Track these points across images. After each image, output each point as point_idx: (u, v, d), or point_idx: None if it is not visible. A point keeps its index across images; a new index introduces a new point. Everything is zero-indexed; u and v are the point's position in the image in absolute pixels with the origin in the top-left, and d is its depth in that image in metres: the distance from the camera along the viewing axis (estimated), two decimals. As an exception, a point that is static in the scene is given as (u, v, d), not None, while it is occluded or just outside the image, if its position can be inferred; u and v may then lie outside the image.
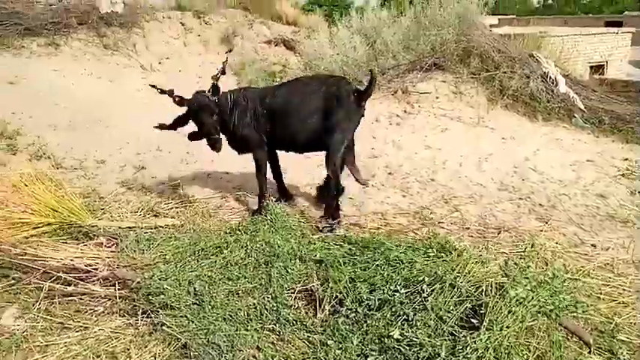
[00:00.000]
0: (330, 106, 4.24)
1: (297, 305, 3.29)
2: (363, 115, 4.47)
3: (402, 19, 9.41)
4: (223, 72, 4.41)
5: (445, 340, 2.74)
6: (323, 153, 4.40)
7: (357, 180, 4.74)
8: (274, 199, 4.54)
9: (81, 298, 3.45)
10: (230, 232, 4.11)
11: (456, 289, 2.99)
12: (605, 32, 16.03)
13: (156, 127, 4.56)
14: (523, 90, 6.89)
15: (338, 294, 3.20)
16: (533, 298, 2.94)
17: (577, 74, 8.90)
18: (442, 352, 2.66)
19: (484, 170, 5.49)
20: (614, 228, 4.39)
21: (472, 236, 4.30)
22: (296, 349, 2.98)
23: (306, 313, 3.25)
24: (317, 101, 4.27)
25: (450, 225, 4.50)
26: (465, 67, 7.26)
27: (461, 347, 2.66)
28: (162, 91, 4.25)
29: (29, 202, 4.13)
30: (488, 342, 2.64)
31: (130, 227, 4.27)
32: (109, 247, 3.94)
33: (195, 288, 3.29)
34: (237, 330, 3.01)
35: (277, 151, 4.75)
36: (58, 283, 3.51)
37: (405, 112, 6.89)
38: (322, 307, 3.20)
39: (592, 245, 4.12)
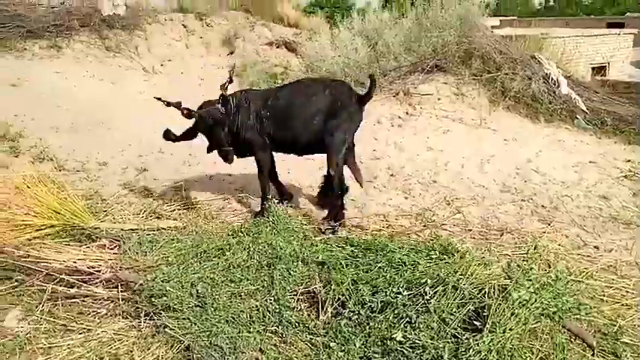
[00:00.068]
0: (332, 109, 4.27)
1: (299, 307, 3.29)
2: (362, 118, 4.51)
3: (404, 21, 9.41)
4: (231, 80, 4.37)
5: (448, 342, 2.74)
6: (323, 155, 4.42)
7: (357, 181, 4.75)
8: (276, 201, 4.54)
9: (84, 300, 3.46)
10: (232, 234, 4.11)
11: (458, 292, 2.99)
12: (607, 34, 16.03)
13: (164, 137, 4.52)
14: (525, 91, 6.88)
15: (340, 296, 3.20)
16: (536, 300, 2.94)
17: (579, 75, 8.88)
18: (445, 354, 2.66)
19: (486, 172, 5.49)
20: (617, 230, 4.39)
21: (474, 238, 4.30)
22: (298, 351, 2.98)
23: (309, 315, 3.25)
24: (319, 103, 4.30)
25: (453, 227, 4.50)
26: (467, 69, 7.25)
27: (464, 349, 2.66)
28: (169, 104, 4.17)
29: (32, 204, 4.14)
30: (491, 344, 2.64)
31: (132, 229, 4.28)
32: (111, 249, 3.95)
33: (197, 290, 3.29)
34: (239, 332, 3.01)
35: (274, 154, 4.74)
36: (61, 285, 3.52)
37: (407, 113, 6.89)
38: (325, 309, 3.20)
39: (595, 247, 4.12)
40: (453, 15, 7.99)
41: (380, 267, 3.41)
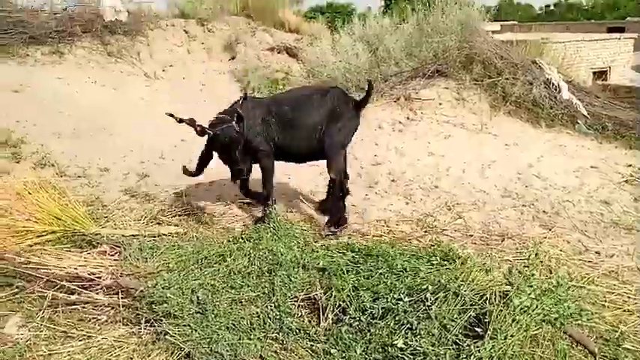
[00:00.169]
0: (331, 115, 4.35)
1: (300, 314, 3.29)
2: (359, 123, 4.59)
3: (405, 26, 9.42)
4: (245, 97, 4.32)
5: (449, 349, 2.73)
6: (323, 161, 4.45)
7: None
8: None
9: (84, 307, 3.45)
10: (233, 241, 4.11)
11: (459, 298, 2.98)
12: (607, 38, 16.06)
13: (184, 173, 4.55)
14: (526, 96, 6.88)
15: (341, 302, 3.20)
16: (537, 306, 2.93)
17: (580, 80, 8.88)
18: (446, 361, 2.65)
19: (487, 177, 5.48)
20: (619, 235, 4.38)
21: (475, 243, 4.30)
22: (299, 358, 2.97)
23: (310, 321, 3.24)
24: (321, 110, 4.36)
25: (454, 232, 4.50)
26: (468, 74, 7.26)
27: (465, 356, 2.65)
28: (181, 120, 4.10)
29: (33, 210, 4.14)
30: (492, 351, 2.63)
31: (133, 235, 4.28)
32: (112, 255, 3.95)
33: (198, 297, 3.29)
34: (240, 339, 3.01)
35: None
36: (61, 292, 3.52)
37: (408, 118, 6.90)
38: (325, 315, 3.19)
39: (596, 252, 4.11)
40: (454, 20, 8.00)
41: (381, 273, 3.41)
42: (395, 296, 3.10)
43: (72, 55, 8.66)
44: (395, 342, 2.81)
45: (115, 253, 3.97)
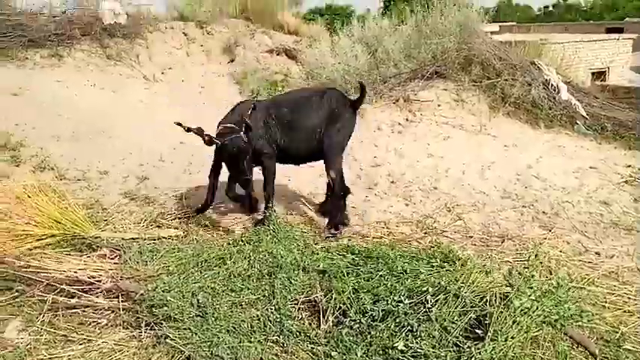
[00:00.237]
0: (330, 116, 4.40)
1: (300, 316, 3.28)
2: (355, 123, 4.66)
3: (403, 28, 9.45)
4: (254, 108, 4.30)
5: (450, 351, 2.73)
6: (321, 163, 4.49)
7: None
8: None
9: (84, 311, 3.44)
10: (233, 243, 4.11)
11: (460, 300, 2.98)
12: (606, 39, 16.08)
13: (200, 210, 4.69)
14: (525, 97, 6.89)
15: (342, 305, 3.19)
16: (537, 307, 2.93)
17: (579, 81, 8.90)
18: (447, 363, 2.65)
19: (487, 178, 5.49)
20: (618, 235, 4.38)
21: (475, 245, 4.30)
22: (300, 360, 2.97)
23: (310, 324, 3.24)
24: (320, 112, 4.40)
25: (454, 234, 4.50)
26: (467, 75, 7.27)
27: (466, 358, 2.65)
28: (189, 129, 4.08)
29: (33, 213, 4.14)
30: (493, 353, 2.63)
31: (133, 238, 4.28)
32: (112, 258, 3.94)
33: (198, 300, 3.28)
34: (240, 342, 3.00)
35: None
36: (61, 296, 3.51)
37: (407, 120, 6.90)
38: (326, 318, 3.19)
39: (596, 253, 4.11)
40: (453, 22, 8.02)
41: (381, 275, 3.40)
42: (395, 298, 3.10)
43: (71, 58, 8.67)
44: (395, 344, 2.80)
45: (115, 256, 3.96)
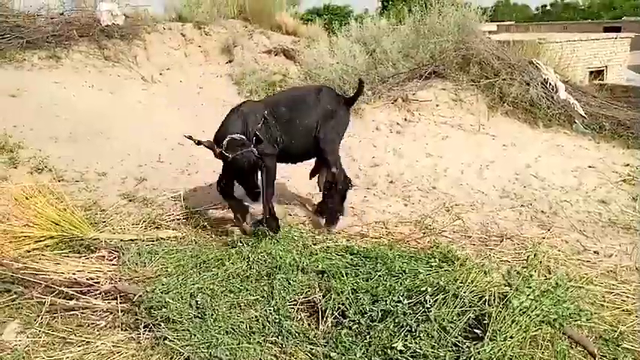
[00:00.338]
0: (326, 113, 4.46)
1: (299, 317, 3.28)
2: (350, 120, 4.79)
3: (402, 28, 9.46)
4: (266, 121, 4.25)
5: (449, 351, 2.73)
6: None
7: (311, 173, 4.97)
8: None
9: (83, 313, 3.44)
10: (232, 244, 4.11)
11: (459, 300, 2.97)
12: (604, 38, 16.10)
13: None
14: (523, 97, 6.90)
15: (340, 305, 3.19)
16: (536, 307, 2.92)
17: (577, 80, 8.91)
18: (446, 363, 2.64)
19: (485, 178, 5.49)
20: (617, 234, 4.38)
21: (474, 244, 4.30)
22: (299, 361, 2.96)
23: (309, 325, 3.23)
24: (317, 110, 4.44)
25: (452, 233, 4.50)
26: (465, 75, 7.28)
27: (465, 358, 2.65)
28: (200, 142, 4.00)
29: (31, 215, 4.13)
30: (492, 352, 2.63)
31: (131, 240, 4.27)
32: (110, 260, 3.94)
33: (197, 301, 3.28)
34: (239, 343, 3.00)
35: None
36: (60, 298, 3.50)
37: (406, 120, 6.90)
38: (325, 318, 3.19)
39: (595, 252, 4.12)
40: (451, 21, 8.03)
41: (380, 275, 3.40)
42: (394, 298, 3.10)
43: (69, 60, 8.66)
44: (394, 344, 2.80)
45: (114, 257, 3.96)
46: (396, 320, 2.96)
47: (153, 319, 3.21)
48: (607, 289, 3.54)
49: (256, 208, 4.73)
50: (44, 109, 7.07)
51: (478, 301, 2.96)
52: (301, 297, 3.36)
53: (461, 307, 2.95)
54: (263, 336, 3.09)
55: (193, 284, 3.45)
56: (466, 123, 6.71)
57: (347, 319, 3.10)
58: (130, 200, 5.25)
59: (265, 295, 3.39)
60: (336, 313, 3.18)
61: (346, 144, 6.19)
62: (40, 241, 4.04)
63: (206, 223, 4.75)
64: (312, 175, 4.98)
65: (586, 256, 4.05)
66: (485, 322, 2.81)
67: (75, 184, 5.55)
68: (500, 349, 2.65)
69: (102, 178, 5.75)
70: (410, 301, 3.07)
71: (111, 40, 9.30)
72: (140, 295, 3.37)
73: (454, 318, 2.89)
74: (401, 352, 2.77)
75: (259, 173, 4.20)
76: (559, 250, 4.10)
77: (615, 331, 3.04)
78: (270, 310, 3.25)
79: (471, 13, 8.12)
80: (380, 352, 2.84)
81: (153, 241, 4.29)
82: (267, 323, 3.17)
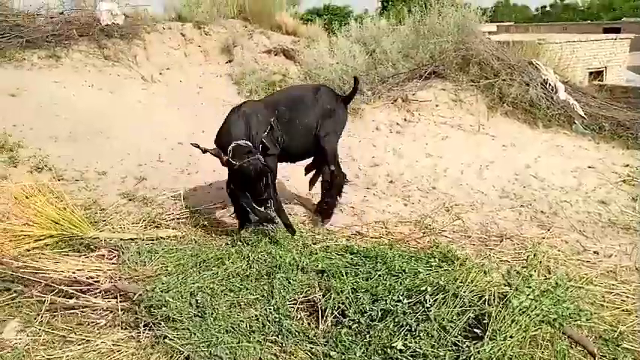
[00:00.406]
0: (325, 111, 4.50)
1: (299, 316, 3.28)
2: (347, 118, 4.88)
3: (401, 28, 9.46)
4: (272, 128, 4.22)
5: (449, 350, 2.73)
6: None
7: (311, 182, 4.98)
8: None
9: (83, 311, 3.44)
10: (232, 243, 4.11)
11: (458, 299, 2.98)
12: (603, 39, 16.11)
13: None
14: (523, 97, 6.90)
15: (340, 305, 3.19)
16: (536, 307, 2.92)
17: (576, 81, 8.92)
18: (446, 362, 2.65)
19: (485, 178, 5.49)
20: (616, 235, 4.39)
21: (474, 244, 4.30)
22: (299, 360, 2.97)
23: (309, 324, 3.24)
24: (316, 109, 4.47)
25: (452, 233, 4.50)
26: (465, 75, 7.28)
27: (464, 357, 2.65)
28: (206, 151, 3.96)
29: (31, 214, 4.13)
30: (491, 352, 2.63)
31: (131, 239, 4.27)
32: (110, 259, 3.94)
33: (197, 300, 3.28)
34: (239, 342, 3.00)
35: None
36: (59, 296, 3.50)
37: (406, 120, 6.91)
38: (324, 318, 3.19)
39: (594, 252, 4.12)
40: (450, 22, 8.03)
41: (380, 275, 3.40)
42: (394, 298, 3.10)
43: (69, 59, 8.65)
44: (394, 344, 2.80)
45: (114, 256, 3.96)
46: (396, 320, 2.96)
47: (153, 317, 3.21)
48: (607, 289, 3.54)
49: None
50: (44, 108, 7.06)
51: (478, 301, 2.97)
52: (301, 296, 3.37)
53: (461, 307, 2.95)
54: (263, 335, 3.10)
55: (193, 283, 3.45)
56: (466, 123, 6.72)
57: (347, 319, 3.10)
58: (130, 199, 5.25)
59: (265, 295, 3.39)
60: (336, 313, 3.19)
61: (346, 144, 6.20)
62: (40, 239, 4.04)
63: (206, 223, 4.75)
64: (307, 171, 4.97)
65: (586, 257, 4.05)
66: (485, 321, 2.82)
67: (75, 183, 5.55)
68: (500, 348, 2.65)
69: (102, 177, 5.75)
70: (410, 300, 3.07)
71: (111, 40, 9.29)
72: (140, 294, 3.37)
73: (454, 317, 2.90)
74: (401, 351, 2.77)
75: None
76: (559, 250, 4.10)
77: (615, 331, 3.05)
78: (270, 309, 3.25)
79: (471, 14, 8.12)
80: (380, 352, 2.84)
81: (153, 240, 4.30)
82: (267, 322, 3.17)
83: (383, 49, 8.75)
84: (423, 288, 3.11)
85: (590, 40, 15.43)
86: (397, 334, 2.88)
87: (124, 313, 3.39)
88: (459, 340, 2.77)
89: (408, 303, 3.05)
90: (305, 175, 5.01)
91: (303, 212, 5.03)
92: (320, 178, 4.80)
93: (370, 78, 8.05)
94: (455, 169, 5.70)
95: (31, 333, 3.27)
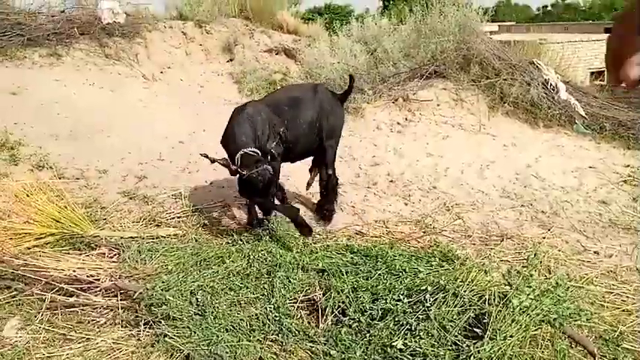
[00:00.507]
0: (324, 111, 4.48)
1: (299, 315, 3.28)
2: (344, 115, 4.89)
3: (402, 28, 9.46)
4: (281, 138, 4.18)
5: (448, 349, 2.73)
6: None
7: (309, 183, 5.02)
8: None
9: (83, 309, 3.44)
10: (232, 242, 4.11)
11: (459, 299, 2.98)
12: (605, 39, 16.06)
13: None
14: (524, 97, 6.89)
15: (340, 303, 3.19)
16: (536, 306, 2.93)
17: (578, 80, 8.91)
18: (446, 362, 2.65)
19: (486, 177, 5.49)
20: (617, 235, 4.39)
21: (474, 244, 4.30)
22: (298, 359, 2.97)
23: (309, 323, 3.24)
24: (315, 107, 4.46)
25: (453, 233, 4.50)
26: (466, 75, 7.28)
27: (464, 357, 2.65)
28: (214, 160, 3.88)
29: (31, 212, 4.13)
30: (491, 351, 2.63)
31: (132, 237, 4.27)
32: (110, 257, 3.94)
33: (197, 298, 3.28)
34: (239, 341, 3.00)
35: None
36: (60, 294, 3.50)
37: (406, 119, 6.90)
38: (325, 316, 3.19)
39: (595, 252, 4.12)
40: (452, 21, 8.02)
41: (380, 274, 3.40)
42: (394, 297, 3.10)
43: (69, 57, 8.65)
44: (394, 343, 2.80)
45: (114, 255, 3.96)
46: (396, 319, 2.96)
47: (153, 316, 3.21)
48: (607, 289, 3.54)
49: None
50: (45, 106, 7.06)
51: (478, 300, 2.97)
52: (301, 295, 3.37)
53: (461, 306, 2.95)
54: (263, 334, 3.10)
55: (193, 282, 3.45)
56: (467, 123, 6.71)
57: (347, 318, 3.10)
58: (131, 198, 5.25)
59: (265, 293, 3.39)
60: (336, 312, 3.19)
61: (347, 143, 6.21)
62: (41, 238, 4.04)
63: (206, 221, 4.75)
64: (311, 172, 4.99)
65: (586, 256, 4.05)
66: (485, 321, 2.81)
67: (75, 182, 5.55)
68: (500, 348, 2.65)
69: (102, 175, 5.75)
70: (410, 299, 3.08)
71: (112, 38, 9.28)
72: (140, 293, 3.37)
73: (454, 317, 2.90)
74: (400, 350, 2.77)
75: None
76: (559, 250, 4.10)
77: (615, 331, 3.04)
78: (270, 307, 3.25)
79: (472, 13, 8.11)
80: (380, 351, 2.84)
81: (153, 238, 4.30)
82: (268, 321, 3.17)
83: (384, 49, 8.75)
84: (424, 287, 3.11)
85: (592, 40, 15.42)
86: (397, 333, 2.88)
87: (124, 312, 3.39)
88: (459, 340, 2.77)
89: (408, 302, 3.06)
90: (310, 173, 5.03)
91: (303, 212, 5.02)
92: (317, 177, 4.82)
93: (371, 77, 8.04)
94: (455, 168, 5.70)
95: (31, 331, 3.27)
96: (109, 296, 3.51)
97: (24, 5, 9.43)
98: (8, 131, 6.23)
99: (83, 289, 3.52)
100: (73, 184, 5.45)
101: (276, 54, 10.34)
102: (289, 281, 3.44)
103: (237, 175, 3.89)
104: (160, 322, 3.15)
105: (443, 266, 3.48)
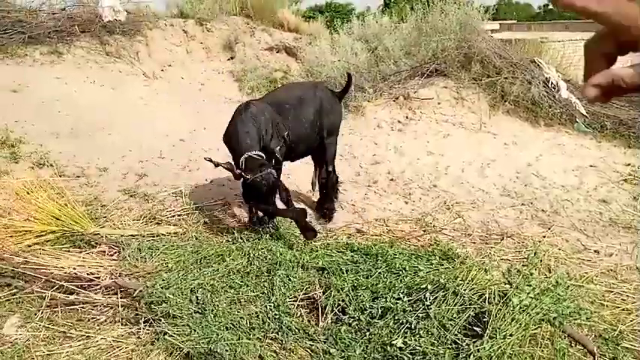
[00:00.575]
0: (323, 109, 4.52)
1: (299, 313, 3.28)
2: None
3: (403, 26, 9.44)
4: (285, 142, 4.17)
5: (448, 348, 2.73)
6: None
7: (314, 182, 5.06)
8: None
9: (83, 307, 3.44)
10: (232, 240, 4.11)
11: (458, 297, 2.97)
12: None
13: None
14: (525, 95, 6.89)
15: (340, 302, 3.19)
16: (536, 305, 2.92)
17: (578, 79, 8.87)
18: (445, 360, 2.65)
19: (486, 176, 5.49)
20: (617, 234, 4.38)
21: (475, 242, 4.30)
22: (299, 358, 2.97)
23: (309, 321, 3.24)
24: (315, 105, 4.49)
25: (453, 231, 4.50)
26: (467, 73, 7.27)
27: (464, 355, 2.65)
28: (218, 164, 3.87)
29: (32, 210, 4.13)
30: (491, 350, 2.63)
31: (132, 235, 4.27)
32: (111, 255, 3.94)
33: (197, 296, 3.28)
34: (239, 339, 3.00)
35: None
36: (60, 292, 3.51)
37: (407, 118, 6.90)
38: (325, 315, 3.19)
39: (595, 251, 4.12)
40: (453, 19, 8.01)
41: (380, 272, 3.40)
42: (394, 295, 3.10)
43: (70, 55, 8.64)
44: (394, 342, 2.80)
45: (114, 253, 3.96)
46: (396, 317, 2.96)
47: (153, 314, 3.22)
48: (607, 288, 3.54)
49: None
50: (45, 104, 7.06)
51: (478, 299, 2.96)
52: (301, 293, 3.37)
53: (461, 305, 2.95)
54: (263, 332, 3.10)
55: (194, 280, 3.45)
56: (467, 121, 6.71)
57: (347, 316, 3.10)
58: (131, 196, 5.25)
59: (265, 292, 3.39)
60: (336, 310, 3.19)
61: (347, 141, 6.20)
62: (41, 235, 4.05)
63: (207, 219, 4.75)
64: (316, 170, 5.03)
65: (586, 255, 4.05)
66: (485, 319, 2.81)
67: (76, 180, 5.55)
68: (500, 346, 2.65)
69: (103, 173, 5.75)
70: (410, 298, 3.07)
71: (112, 36, 9.28)
72: (140, 290, 3.38)
73: (454, 315, 2.89)
74: (400, 349, 2.77)
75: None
76: (559, 249, 4.10)
77: (615, 330, 3.04)
78: (270, 306, 3.25)
79: (474, 12, 8.10)
80: (379, 349, 2.84)
81: (153, 236, 4.30)
82: (267, 319, 3.17)
83: (385, 47, 8.74)
84: (424, 286, 3.11)
85: (593, 39, 15.38)
86: (397, 331, 2.88)
87: (124, 310, 3.39)
88: (458, 338, 2.77)
89: (408, 301, 3.05)
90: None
91: (304, 210, 5.02)
92: (318, 175, 4.84)
93: (372, 75, 8.04)
94: (456, 167, 5.70)
95: (31, 329, 3.28)
96: (109, 294, 3.51)
97: (25, 3, 9.45)
98: (9, 129, 6.23)
99: (83, 286, 3.52)
100: (73, 182, 5.46)
101: (277, 52, 10.32)
102: (289, 279, 3.45)
103: (241, 179, 3.88)
104: (160, 320, 3.15)
105: (443, 265, 3.48)
